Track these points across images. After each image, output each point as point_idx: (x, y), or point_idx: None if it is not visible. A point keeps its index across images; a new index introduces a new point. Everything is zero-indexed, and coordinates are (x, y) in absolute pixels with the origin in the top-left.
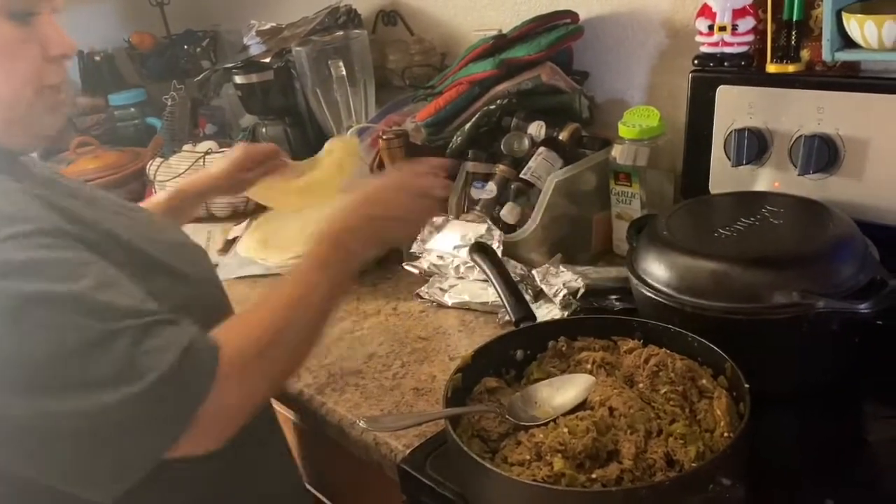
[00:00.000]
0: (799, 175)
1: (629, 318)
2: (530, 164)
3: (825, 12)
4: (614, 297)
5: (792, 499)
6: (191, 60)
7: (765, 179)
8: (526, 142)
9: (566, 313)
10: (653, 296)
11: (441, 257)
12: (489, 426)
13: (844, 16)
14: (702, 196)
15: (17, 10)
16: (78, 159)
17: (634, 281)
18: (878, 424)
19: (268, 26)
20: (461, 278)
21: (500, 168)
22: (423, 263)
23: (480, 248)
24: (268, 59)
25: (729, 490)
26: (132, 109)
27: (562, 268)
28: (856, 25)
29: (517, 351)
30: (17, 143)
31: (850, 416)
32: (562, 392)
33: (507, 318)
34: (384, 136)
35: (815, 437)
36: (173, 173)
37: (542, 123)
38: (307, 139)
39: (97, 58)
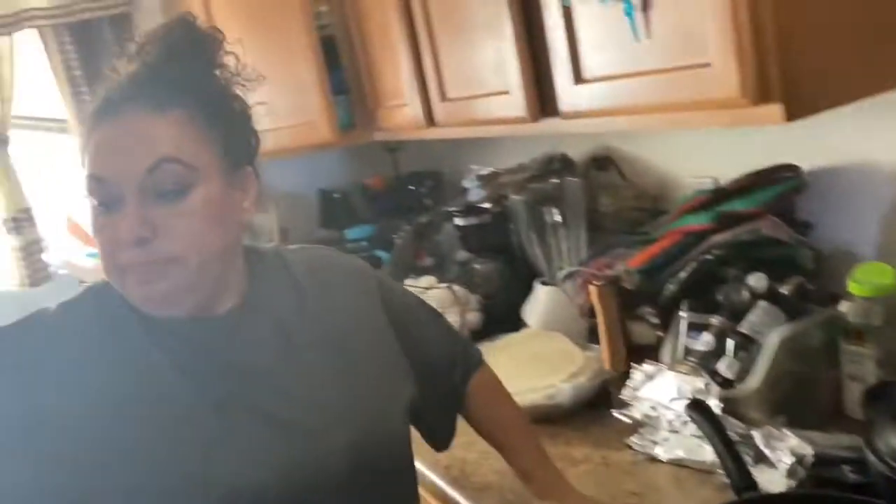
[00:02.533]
0: None
1: (869, 500)
2: (750, 317)
3: None
4: (847, 468)
5: None
6: (415, 199)
7: None
8: (745, 294)
9: (792, 483)
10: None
11: (654, 408)
12: None
13: None
14: None
15: (98, 202)
16: None
17: (872, 458)
18: None
19: (486, 171)
20: (674, 432)
21: (718, 319)
22: (635, 412)
23: (698, 407)
24: (487, 205)
25: None
26: (364, 243)
27: (786, 431)
28: None
29: None
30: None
31: None
32: None
33: (726, 481)
34: (596, 282)
35: None
36: None
37: (762, 275)
38: (519, 276)
39: (335, 196)
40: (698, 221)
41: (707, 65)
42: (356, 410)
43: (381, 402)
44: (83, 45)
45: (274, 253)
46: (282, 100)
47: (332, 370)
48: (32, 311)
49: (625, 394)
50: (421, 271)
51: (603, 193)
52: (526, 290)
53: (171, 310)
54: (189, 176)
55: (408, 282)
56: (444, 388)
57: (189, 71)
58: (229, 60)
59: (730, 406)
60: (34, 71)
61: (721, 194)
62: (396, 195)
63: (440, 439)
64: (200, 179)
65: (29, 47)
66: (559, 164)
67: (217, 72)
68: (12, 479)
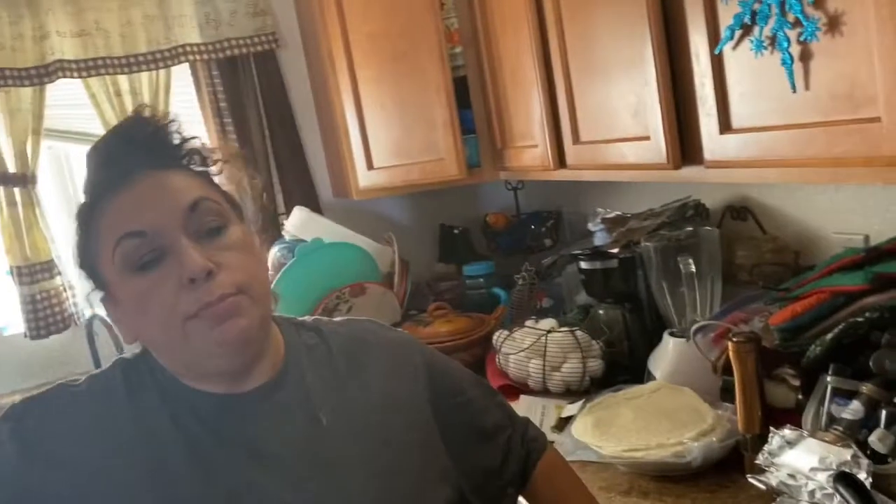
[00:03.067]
0: None
1: None
2: None
3: None
4: None
5: None
6: (534, 238)
7: None
8: None
9: None
10: None
11: (793, 476)
12: None
13: None
14: None
15: (140, 264)
16: (434, 321)
17: None
18: None
19: (612, 215)
20: None
21: (868, 387)
22: (772, 479)
23: (848, 480)
24: (615, 250)
25: None
26: (481, 279)
27: None
28: None
29: None
30: (194, 381)
31: None
32: None
33: None
34: (734, 339)
35: None
36: (517, 347)
37: None
38: (644, 325)
39: (455, 231)
40: (849, 282)
41: (876, 119)
42: None
43: (413, 501)
44: (229, 79)
45: (313, 326)
46: (414, 137)
47: (360, 461)
48: (59, 383)
49: (760, 458)
50: (540, 313)
51: (739, 245)
52: (651, 340)
53: (244, 350)
54: (224, 212)
55: (528, 323)
56: (494, 488)
57: (166, 151)
58: (195, 143)
59: (881, 483)
60: (184, 102)
61: (875, 254)
62: (516, 233)
63: None
64: (230, 218)
65: (181, 80)
66: (693, 212)
67: (188, 150)
68: None
